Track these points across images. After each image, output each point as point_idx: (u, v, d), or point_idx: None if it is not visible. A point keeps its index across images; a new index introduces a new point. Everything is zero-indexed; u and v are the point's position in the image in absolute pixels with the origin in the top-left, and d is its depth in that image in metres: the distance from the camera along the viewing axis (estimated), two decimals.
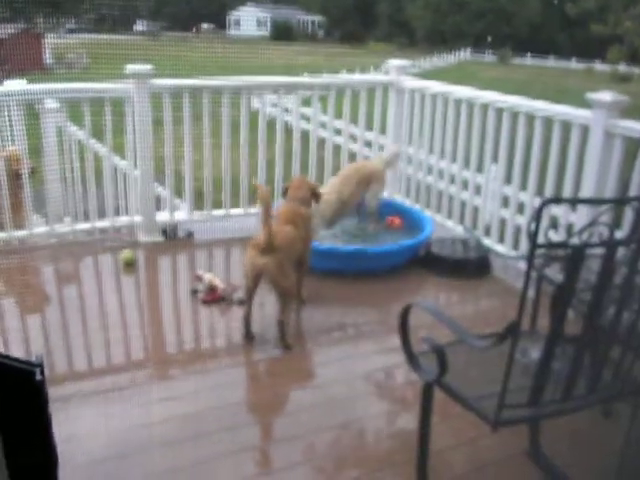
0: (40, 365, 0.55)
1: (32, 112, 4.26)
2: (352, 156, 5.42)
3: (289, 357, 3.27)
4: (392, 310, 3.80)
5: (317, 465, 2.53)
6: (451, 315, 2.17)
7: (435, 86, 5.03)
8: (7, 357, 0.53)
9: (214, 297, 3.77)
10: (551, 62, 44.60)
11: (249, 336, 3.38)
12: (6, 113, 4.15)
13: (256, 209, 4.70)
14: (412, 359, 2.27)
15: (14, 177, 4.29)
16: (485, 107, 4.47)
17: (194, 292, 3.83)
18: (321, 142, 5.21)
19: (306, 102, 5.86)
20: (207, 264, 4.35)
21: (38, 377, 0.54)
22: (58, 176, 4.45)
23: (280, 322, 3.30)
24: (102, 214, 4.60)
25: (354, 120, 5.31)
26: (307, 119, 5.79)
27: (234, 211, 4.89)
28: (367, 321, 3.90)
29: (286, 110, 5.23)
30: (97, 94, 4.31)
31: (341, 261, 4.18)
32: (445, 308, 3.98)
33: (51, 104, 4.39)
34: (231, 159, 4.71)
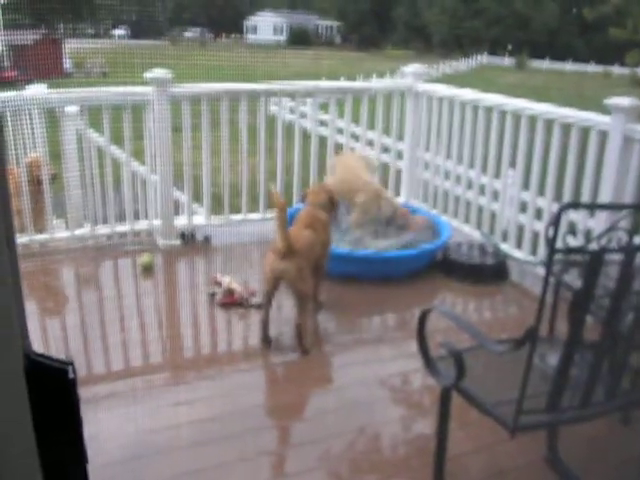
0: (72, 364, 0.57)
1: (52, 118, 4.29)
2: None
3: (307, 361, 3.27)
4: (410, 315, 3.89)
5: (334, 469, 2.53)
6: (469, 320, 2.24)
7: (451, 92, 5.01)
8: (42, 355, 0.55)
9: (232, 300, 3.78)
10: (569, 66, 44.27)
11: (267, 340, 3.39)
12: (28, 119, 4.20)
13: (273, 214, 4.56)
14: (430, 363, 2.26)
15: (36, 183, 4.34)
16: (503, 113, 4.44)
17: (212, 295, 3.84)
18: (338, 147, 5.20)
19: (324, 107, 5.87)
20: (224, 268, 4.35)
21: (71, 375, 0.56)
22: (78, 182, 4.48)
23: (298, 326, 3.31)
24: (121, 219, 4.63)
25: (372, 126, 5.29)
26: (325, 125, 5.77)
27: (252, 216, 4.89)
28: (385, 325, 3.90)
29: (303, 116, 5.25)
30: (117, 101, 4.32)
31: (358, 265, 4.18)
32: (463, 313, 3.96)
33: (71, 108, 4.42)
34: (249, 164, 4.72)
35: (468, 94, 4.84)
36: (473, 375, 2.12)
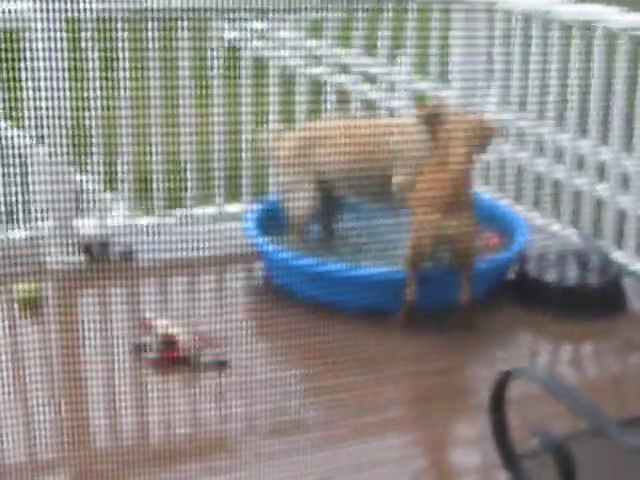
0: None
1: None
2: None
3: None
4: (460, 374, 4.06)
5: None
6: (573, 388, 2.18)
7: (532, 4, 4.91)
8: None
9: (172, 357, 3.78)
10: None
11: (411, 316, 4.00)
12: None
13: (239, 207, 4.87)
14: (513, 464, 2.25)
15: None
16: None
17: (139, 349, 3.83)
18: (341, 95, 5.28)
19: (316, 30, 5.87)
20: (160, 302, 4.31)
21: None
22: None
23: (467, 302, 3.99)
24: None
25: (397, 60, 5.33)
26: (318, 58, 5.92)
27: (202, 211, 4.85)
28: (418, 393, 3.91)
29: (281, 45, 5.33)
30: None
31: (372, 292, 4.13)
32: (550, 369, 4.06)
33: None
34: (197, 126, 4.73)
35: (567, 10, 4.72)
36: None
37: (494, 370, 4.04)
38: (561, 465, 2.00)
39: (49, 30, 4.05)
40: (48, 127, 4.32)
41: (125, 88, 4.52)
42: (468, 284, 4.03)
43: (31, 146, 4.61)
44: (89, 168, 4.63)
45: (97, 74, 4.47)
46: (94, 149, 4.56)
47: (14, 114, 4.69)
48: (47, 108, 4.29)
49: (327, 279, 4.14)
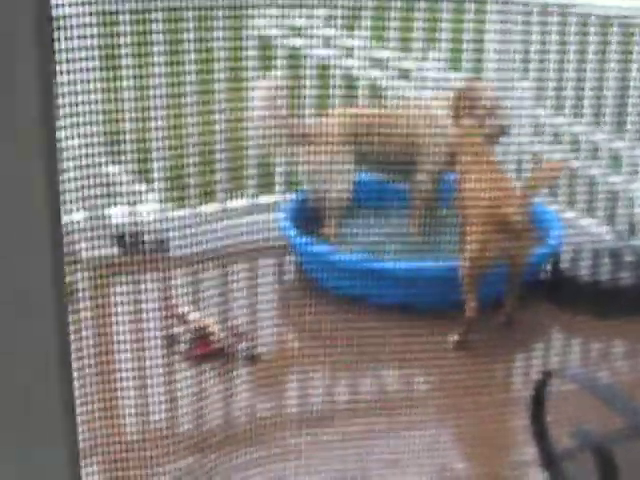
0: None
1: None
2: None
3: None
4: (495, 370, 4.04)
5: None
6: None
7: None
8: None
9: (207, 350, 3.81)
10: None
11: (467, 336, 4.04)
12: None
13: (273, 198, 4.88)
14: (553, 464, 2.32)
15: None
16: None
17: (171, 341, 3.86)
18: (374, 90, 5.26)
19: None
20: (192, 295, 4.25)
21: None
22: None
23: (511, 305, 4.15)
24: None
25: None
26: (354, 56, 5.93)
27: (235, 203, 4.82)
28: (451, 388, 3.82)
29: (321, 40, 5.26)
30: None
31: (404, 287, 4.09)
32: (587, 368, 4.15)
33: None
34: (231, 119, 4.66)
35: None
36: None
37: (527, 367, 4.11)
38: (602, 465, 2.00)
39: (79, 23, 4.17)
40: (81, 116, 4.42)
41: (158, 78, 4.54)
42: (516, 289, 4.15)
43: (64, 134, 4.60)
44: (122, 158, 4.63)
45: (130, 64, 4.37)
46: (127, 138, 4.53)
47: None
48: (78, 100, 4.38)
49: (360, 272, 4.13)
